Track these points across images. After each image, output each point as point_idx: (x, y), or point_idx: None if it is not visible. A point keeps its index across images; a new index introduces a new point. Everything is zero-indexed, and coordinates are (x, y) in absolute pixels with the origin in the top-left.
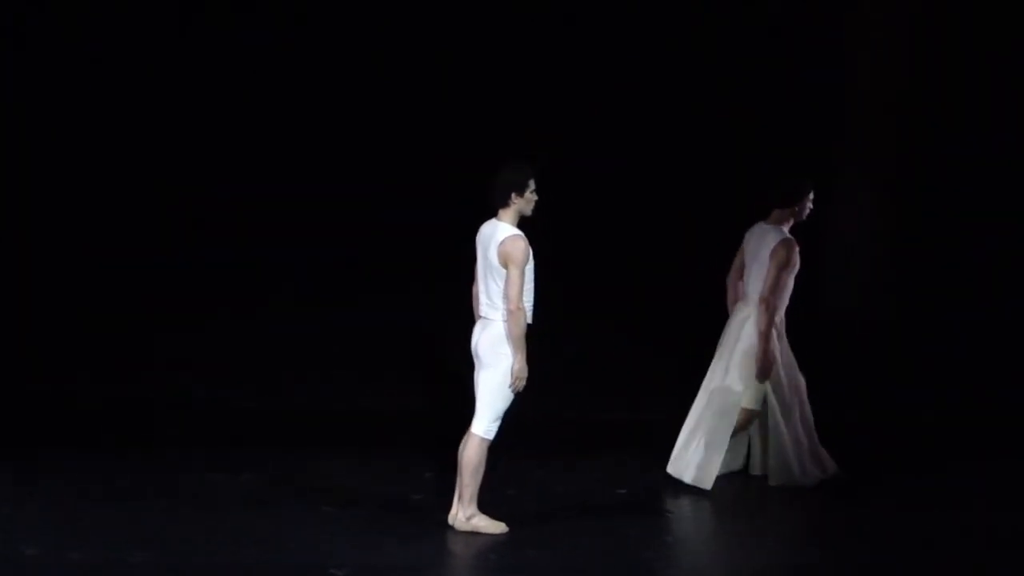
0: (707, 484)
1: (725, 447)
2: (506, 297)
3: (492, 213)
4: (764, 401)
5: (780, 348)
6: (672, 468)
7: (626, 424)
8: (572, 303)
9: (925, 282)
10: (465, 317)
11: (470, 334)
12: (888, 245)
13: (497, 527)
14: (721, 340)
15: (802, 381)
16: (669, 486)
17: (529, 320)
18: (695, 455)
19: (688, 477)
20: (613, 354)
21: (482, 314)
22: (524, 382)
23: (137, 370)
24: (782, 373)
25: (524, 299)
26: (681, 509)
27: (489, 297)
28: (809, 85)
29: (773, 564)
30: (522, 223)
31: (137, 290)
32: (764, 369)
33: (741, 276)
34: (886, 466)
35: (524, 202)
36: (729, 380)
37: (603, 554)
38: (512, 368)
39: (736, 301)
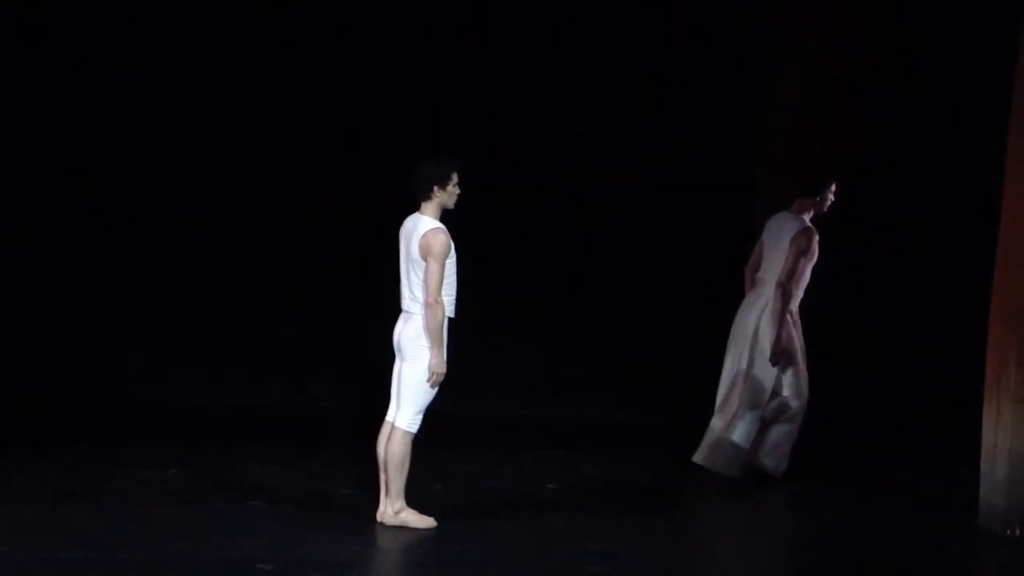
0: (735, 472)
1: (752, 438)
2: (425, 289)
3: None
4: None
5: (795, 336)
6: (700, 458)
7: (554, 420)
8: (499, 296)
9: (859, 292)
10: (390, 313)
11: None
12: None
13: (425, 521)
14: (733, 330)
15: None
16: (597, 481)
17: (451, 314)
18: (729, 446)
19: (718, 466)
20: (543, 350)
21: (405, 307)
22: (442, 377)
23: (67, 368)
24: (800, 361)
25: (445, 293)
26: (611, 504)
27: (411, 290)
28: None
29: (694, 563)
30: (445, 217)
31: (66, 287)
32: (777, 352)
33: (759, 267)
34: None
35: (446, 195)
36: (756, 370)
37: (531, 548)
38: (429, 363)
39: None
